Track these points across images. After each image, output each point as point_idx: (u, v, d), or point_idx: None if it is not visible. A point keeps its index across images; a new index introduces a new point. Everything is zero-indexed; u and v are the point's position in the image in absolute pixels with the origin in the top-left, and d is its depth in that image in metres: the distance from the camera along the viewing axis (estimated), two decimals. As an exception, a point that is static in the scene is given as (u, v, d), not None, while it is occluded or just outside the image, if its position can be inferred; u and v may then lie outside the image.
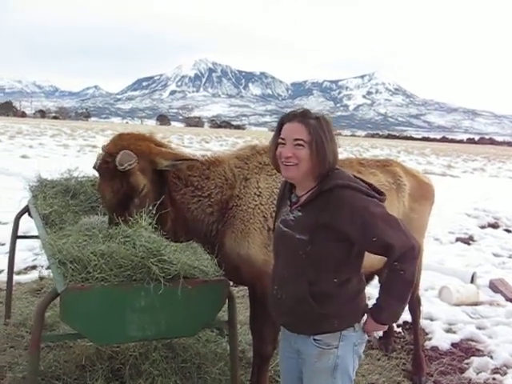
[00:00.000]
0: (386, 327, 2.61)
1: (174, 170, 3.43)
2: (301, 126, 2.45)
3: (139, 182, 3.20)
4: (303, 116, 2.48)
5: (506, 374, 4.73)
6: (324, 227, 2.40)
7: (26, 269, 6.79)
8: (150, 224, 2.96)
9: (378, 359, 4.92)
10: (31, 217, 4.26)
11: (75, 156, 23.96)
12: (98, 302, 2.66)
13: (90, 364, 3.78)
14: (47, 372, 3.69)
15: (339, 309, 2.48)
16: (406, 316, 5.44)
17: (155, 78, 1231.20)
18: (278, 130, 2.54)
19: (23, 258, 6.92)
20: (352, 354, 2.51)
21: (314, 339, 2.50)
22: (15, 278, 6.11)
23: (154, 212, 3.14)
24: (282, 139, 2.49)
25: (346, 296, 2.49)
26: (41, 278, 6.04)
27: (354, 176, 2.58)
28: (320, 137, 2.42)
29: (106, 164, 3.21)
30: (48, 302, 2.69)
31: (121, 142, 3.32)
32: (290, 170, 2.48)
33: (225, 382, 3.82)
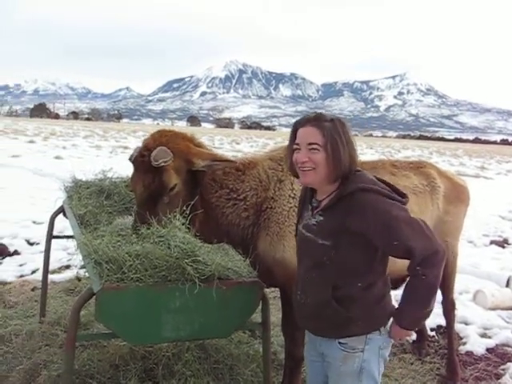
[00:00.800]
0: (411, 333, 2.59)
1: (210, 172, 3.42)
2: (314, 130, 2.44)
3: (171, 180, 3.19)
4: (316, 120, 2.47)
5: (543, 380, 4.62)
6: (347, 232, 2.38)
7: (60, 268, 6.89)
8: (183, 224, 2.96)
9: (412, 363, 4.85)
10: (66, 217, 4.31)
11: (108, 157, 24.28)
12: (133, 303, 2.67)
13: (124, 363, 3.81)
14: (81, 371, 3.73)
15: (364, 312, 2.46)
16: (440, 320, 5.37)
17: (186, 79, 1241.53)
18: (293, 135, 2.54)
19: (58, 257, 7.04)
20: (378, 358, 2.50)
21: (340, 342, 2.49)
22: (50, 277, 6.21)
23: (188, 212, 3.13)
24: (297, 144, 2.49)
25: (371, 299, 2.47)
26: (78, 279, 6.11)
27: (377, 178, 2.54)
28: (335, 139, 2.41)
29: (142, 157, 3.22)
30: (83, 302, 2.71)
31: (160, 138, 3.32)
32: (308, 175, 2.47)
33: (257, 383, 3.81)
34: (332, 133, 2.41)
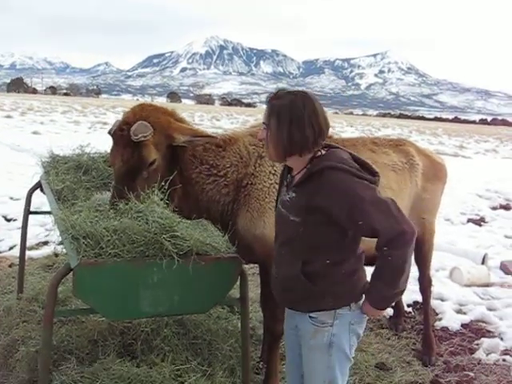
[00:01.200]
0: (382, 312, 2.58)
1: (190, 147, 3.39)
2: (266, 108, 2.49)
3: (150, 155, 3.14)
4: (270, 98, 2.49)
5: (516, 355, 4.73)
6: (314, 210, 2.38)
7: (38, 244, 6.85)
8: (161, 199, 2.95)
9: (388, 339, 4.93)
10: (43, 192, 4.26)
11: (86, 132, 24.02)
12: (111, 278, 2.66)
13: (102, 339, 3.79)
14: (60, 346, 3.71)
15: (333, 287, 2.47)
16: (416, 296, 5.45)
17: (166, 54, 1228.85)
18: None
19: (35, 233, 6.96)
20: (348, 333, 2.51)
21: (310, 316, 2.52)
22: (27, 253, 6.16)
23: (166, 188, 3.10)
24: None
25: (341, 275, 2.48)
26: (56, 255, 6.06)
27: (352, 156, 2.53)
28: (277, 117, 2.41)
29: (121, 131, 3.16)
30: (61, 278, 2.69)
31: (140, 113, 3.27)
32: (266, 151, 2.56)
33: (235, 358, 3.83)
34: (277, 111, 2.42)
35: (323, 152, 2.49)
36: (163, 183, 3.12)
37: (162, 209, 2.85)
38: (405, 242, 2.31)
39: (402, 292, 2.45)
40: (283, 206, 2.55)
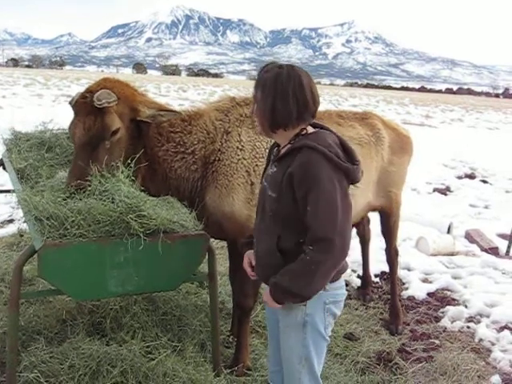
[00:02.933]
0: (275, 303, 2.43)
1: (155, 124, 3.32)
2: (255, 82, 2.45)
3: (114, 122, 3.06)
4: (259, 70, 2.46)
5: (479, 322, 4.86)
6: (288, 186, 2.34)
7: (2, 222, 6.72)
8: (127, 177, 2.91)
9: (356, 309, 5.01)
10: (6, 170, 4.17)
11: (50, 106, 23.51)
12: (77, 259, 2.63)
13: (71, 318, 3.78)
14: (28, 327, 3.68)
15: None
16: (383, 266, 5.54)
17: (131, 24, 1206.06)
18: None
19: (0, 211, 6.84)
20: (323, 312, 2.48)
21: None
22: (-8, 231, 6.07)
23: (133, 165, 3.05)
24: None
25: None
26: (21, 235, 5.95)
27: (340, 141, 2.44)
28: (262, 91, 2.39)
29: (84, 99, 3.08)
30: (25, 259, 2.66)
31: (104, 83, 3.19)
32: (255, 125, 2.52)
33: (205, 333, 3.86)
34: (263, 83, 2.39)
35: (310, 131, 2.43)
36: (129, 161, 3.06)
37: (128, 187, 2.82)
38: (328, 251, 2.25)
39: (301, 298, 2.37)
40: (265, 180, 2.53)
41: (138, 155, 3.14)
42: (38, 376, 3.03)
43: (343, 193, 2.32)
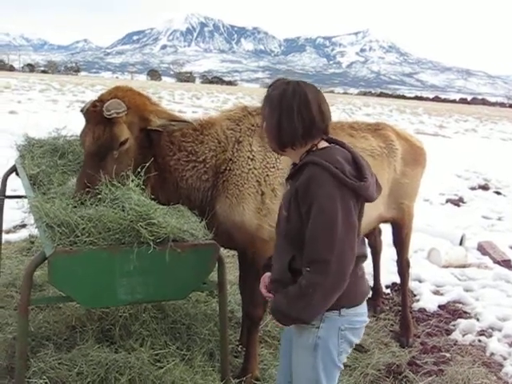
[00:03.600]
0: (279, 324, 2.41)
1: (166, 133, 3.33)
2: (263, 99, 2.44)
3: (122, 133, 3.07)
4: (268, 88, 2.45)
5: (491, 336, 4.81)
6: (294, 203, 2.29)
7: (15, 227, 6.74)
8: (137, 186, 2.92)
9: (366, 320, 4.97)
10: (19, 176, 4.19)
11: (64, 112, 23.65)
12: (87, 266, 2.63)
13: (80, 325, 3.79)
14: (37, 333, 3.70)
15: None
16: (394, 278, 5.50)
17: (146, 31, 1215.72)
18: None
19: (13, 216, 6.86)
20: (337, 338, 2.38)
21: None
22: (4, 236, 6.08)
23: (143, 174, 3.05)
24: None
25: None
26: (31, 242, 5.99)
27: (353, 154, 2.37)
28: (269, 108, 2.37)
29: (94, 108, 3.10)
30: (36, 266, 2.66)
31: (116, 92, 3.21)
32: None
33: (214, 342, 3.85)
34: (270, 100, 2.37)
35: (321, 146, 2.37)
36: (139, 169, 3.07)
37: (139, 195, 2.82)
38: (324, 272, 2.17)
39: (302, 321, 2.31)
40: (282, 198, 2.49)
41: (147, 164, 3.14)
42: (46, 382, 3.06)
43: (346, 212, 2.21)
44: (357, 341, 2.49)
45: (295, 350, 2.50)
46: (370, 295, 5.32)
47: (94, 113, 3.09)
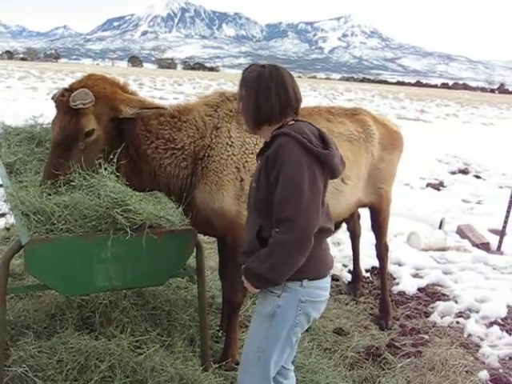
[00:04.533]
0: (251, 287, 2.47)
1: (142, 122, 3.30)
2: (239, 82, 2.58)
3: (88, 124, 3.05)
4: (243, 71, 2.59)
5: (469, 317, 4.89)
6: (264, 170, 2.41)
7: (-6, 216, 6.68)
8: (112, 173, 2.91)
9: (346, 304, 5.03)
10: (-4, 165, 4.16)
11: (44, 99, 23.35)
12: (63, 254, 2.64)
13: (60, 313, 3.77)
14: (17, 322, 3.67)
15: None
16: (374, 261, 5.55)
17: (126, 17, 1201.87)
18: None
19: (-9, 205, 6.81)
20: (296, 309, 2.46)
21: None
22: (-17, 225, 6.05)
23: (116, 161, 3.04)
24: None
25: None
26: (7, 229, 5.93)
27: (317, 129, 2.53)
28: (246, 89, 2.52)
29: (62, 97, 3.08)
30: (12, 255, 2.66)
31: (86, 81, 3.19)
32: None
33: (195, 327, 3.86)
34: (246, 82, 2.52)
35: (289, 123, 2.51)
36: (111, 156, 3.05)
37: (114, 183, 2.82)
38: (289, 231, 2.28)
39: (271, 282, 2.40)
40: (252, 174, 2.64)
41: (118, 153, 3.10)
42: (26, 370, 3.03)
43: (312, 177, 2.34)
44: (316, 316, 2.57)
45: (253, 318, 2.60)
46: (349, 279, 5.42)
47: (61, 102, 3.08)
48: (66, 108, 3.03)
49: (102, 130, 3.14)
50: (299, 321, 2.50)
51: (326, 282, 2.55)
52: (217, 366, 3.52)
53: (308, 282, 2.45)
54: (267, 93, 2.45)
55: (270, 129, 2.52)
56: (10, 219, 4.75)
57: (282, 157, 2.34)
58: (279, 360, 2.56)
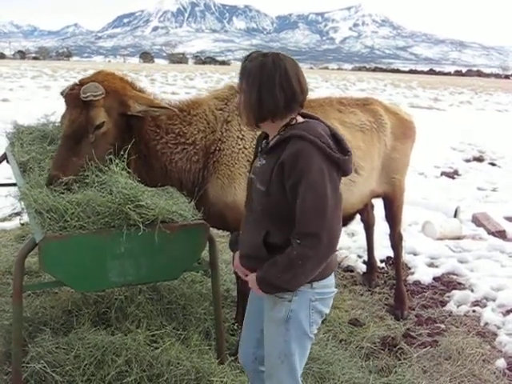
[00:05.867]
0: (259, 291, 2.39)
1: (151, 118, 3.30)
2: (239, 72, 2.37)
3: (98, 116, 3.04)
4: (244, 60, 2.37)
5: (485, 306, 4.85)
6: (277, 177, 2.27)
7: (10, 215, 6.75)
8: (123, 169, 2.92)
9: (361, 294, 5.02)
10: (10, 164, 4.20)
11: (57, 98, 23.41)
12: (77, 250, 2.66)
13: (77, 309, 3.81)
14: (34, 318, 3.72)
15: None
16: (388, 252, 5.53)
17: (136, 14, 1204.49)
18: None
19: (7, 204, 6.87)
20: (308, 310, 2.42)
21: None
22: (0, 225, 6.12)
23: (126, 157, 3.04)
24: None
25: None
26: (22, 224, 5.99)
27: (330, 128, 2.38)
28: (247, 80, 2.30)
29: (72, 91, 3.09)
30: (27, 252, 2.68)
31: (97, 76, 3.20)
32: (240, 117, 2.44)
33: (210, 321, 3.88)
34: (247, 73, 2.31)
35: (299, 120, 2.36)
36: (122, 152, 3.05)
37: (126, 179, 2.84)
38: (315, 246, 2.20)
39: (286, 290, 2.35)
40: (253, 172, 2.46)
41: (128, 148, 3.10)
42: (44, 366, 3.07)
43: (334, 186, 2.25)
44: (327, 311, 2.53)
45: (267, 324, 2.52)
46: (364, 270, 5.41)
47: (71, 96, 3.09)
48: (76, 101, 3.05)
49: (112, 123, 3.13)
50: (313, 319, 2.46)
51: (332, 280, 2.51)
52: (233, 358, 3.54)
53: (317, 283, 2.40)
54: (271, 86, 2.24)
55: (272, 125, 2.36)
56: (25, 217, 4.81)
57: (301, 164, 2.19)
58: (303, 359, 2.53)
